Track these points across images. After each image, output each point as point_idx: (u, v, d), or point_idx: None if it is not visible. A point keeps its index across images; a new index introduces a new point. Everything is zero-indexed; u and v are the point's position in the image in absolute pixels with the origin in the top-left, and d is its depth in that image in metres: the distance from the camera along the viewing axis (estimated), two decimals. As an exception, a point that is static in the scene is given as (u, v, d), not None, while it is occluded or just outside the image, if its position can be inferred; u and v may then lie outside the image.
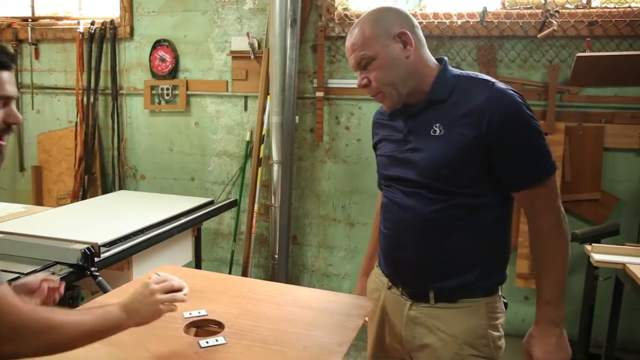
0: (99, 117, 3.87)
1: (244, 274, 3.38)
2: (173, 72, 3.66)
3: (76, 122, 3.86)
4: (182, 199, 3.07)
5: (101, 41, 3.75)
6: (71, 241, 1.97)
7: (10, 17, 4.11)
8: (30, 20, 4.05)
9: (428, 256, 1.32)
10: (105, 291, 1.75)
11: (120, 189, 3.83)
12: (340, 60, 3.32)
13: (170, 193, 3.53)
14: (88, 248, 1.91)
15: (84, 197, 3.77)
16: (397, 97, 1.32)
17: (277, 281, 3.22)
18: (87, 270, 1.89)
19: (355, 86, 3.24)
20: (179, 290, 1.14)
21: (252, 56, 3.44)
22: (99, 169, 3.88)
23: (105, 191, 3.86)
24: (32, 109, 4.09)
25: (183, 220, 2.63)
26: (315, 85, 3.35)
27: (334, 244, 3.45)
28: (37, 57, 4.02)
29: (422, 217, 1.30)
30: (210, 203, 2.98)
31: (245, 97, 3.54)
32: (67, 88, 3.96)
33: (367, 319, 1.48)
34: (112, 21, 3.73)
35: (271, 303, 1.41)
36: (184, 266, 3.34)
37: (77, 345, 1.05)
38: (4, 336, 0.95)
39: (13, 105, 1.08)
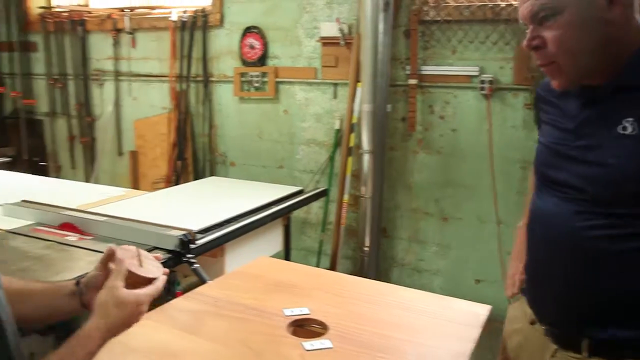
0: (191, 104, 3.95)
1: (332, 265, 3.32)
2: (262, 59, 3.64)
3: (169, 109, 3.96)
4: (272, 187, 3.05)
5: (192, 29, 3.81)
6: (168, 227, 1.98)
7: (110, 9, 4.29)
8: (128, 10, 4.19)
9: (585, 294, 1.01)
10: (203, 280, 1.73)
11: (211, 175, 3.89)
12: (435, 46, 3.14)
13: (259, 181, 3.53)
14: (185, 234, 1.90)
15: (177, 182, 3.87)
16: (575, 75, 0.98)
17: (366, 275, 3.14)
18: (183, 257, 1.89)
19: (452, 73, 3.12)
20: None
21: (342, 42, 3.34)
22: (191, 155, 3.96)
23: (197, 177, 3.94)
24: (129, 95, 4.25)
25: (275, 208, 2.59)
26: (408, 72, 3.20)
27: (425, 238, 3.29)
28: (134, 46, 4.16)
29: (584, 243, 0.98)
30: (300, 192, 2.94)
31: (335, 85, 3.45)
32: (161, 75, 4.07)
33: None
34: (203, 9, 3.77)
35: (375, 304, 1.31)
36: (272, 256, 3.35)
37: None
38: None
39: None
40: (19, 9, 4.69)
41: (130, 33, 4.14)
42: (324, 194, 3.13)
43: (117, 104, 4.31)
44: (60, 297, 1.05)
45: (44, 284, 1.10)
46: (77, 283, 1.05)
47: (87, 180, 4.39)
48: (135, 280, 0.95)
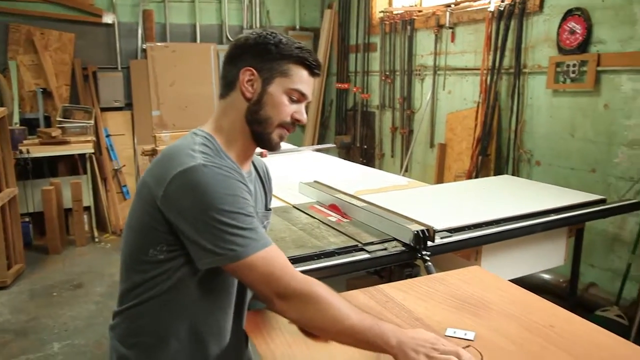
0: (500, 98, 3.75)
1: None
2: (583, 46, 3.15)
3: (478, 103, 3.87)
4: (568, 192, 2.65)
5: (509, 18, 3.59)
6: (411, 220, 1.98)
7: (437, 6, 4.43)
8: (451, 5, 4.25)
9: None
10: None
11: (512, 174, 3.64)
12: None
13: (564, 184, 3.11)
14: (422, 231, 1.87)
15: (476, 177, 3.77)
16: None
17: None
18: (418, 253, 1.87)
19: None
20: None
21: (694, 16, 2.59)
22: (494, 151, 3.78)
23: (497, 173, 3.75)
24: (444, 89, 4.33)
25: (553, 217, 2.26)
26: None
27: None
28: (452, 40, 4.21)
29: None
30: (601, 202, 2.47)
31: (676, 72, 2.72)
32: (474, 69, 4.00)
33: None
34: (522, -5, 3.51)
35: (571, 355, 1.03)
36: (555, 270, 2.93)
37: (332, 335, 1.03)
38: (275, 299, 1.03)
39: (303, 106, 1.18)
40: (366, 15, 5.35)
41: (451, 28, 4.20)
42: (634, 207, 2.54)
43: (434, 98, 4.45)
44: None
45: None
46: None
47: (401, 169, 4.72)
48: None
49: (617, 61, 3.00)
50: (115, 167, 5.24)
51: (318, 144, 5.68)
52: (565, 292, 2.97)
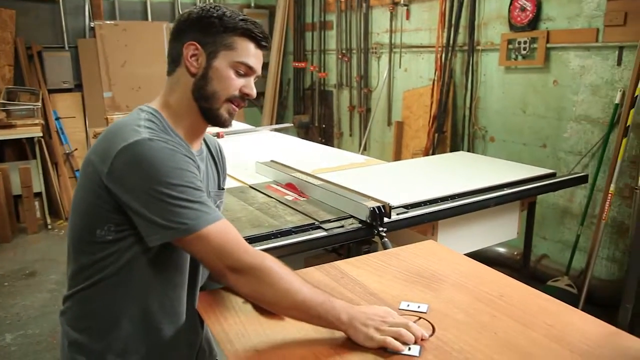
0: (455, 75, 3.80)
1: (587, 265, 2.80)
2: (533, 23, 3.21)
3: (434, 80, 3.90)
4: (520, 167, 2.71)
5: (463, -5, 3.62)
6: (368, 197, 1.99)
7: (391, -18, 4.42)
8: (406, -18, 4.25)
9: None
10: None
11: (468, 150, 3.71)
12: None
13: (517, 159, 3.20)
14: (378, 207, 1.88)
15: (433, 154, 3.82)
16: None
17: (627, 285, 2.55)
18: (375, 229, 1.88)
19: None
20: (408, 342, 0.95)
21: (637, -6, 2.67)
22: (450, 128, 3.84)
23: (453, 150, 3.81)
24: (400, 67, 4.35)
25: (506, 191, 2.31)
26: None
27: None
28: (407, 18, 4.21)
29: None
30: (551, 176, 2.54)
31: (620, 48, 2.81)
32: (429, 46, 4.02)
33: None
34: (475, -28, 3.53)
35: (519, 322, 1.05)
36: (509, 243, 3.02)
37: (284, 309, 1.03)
38: (227, 272, 1.02)
39: (252, 80, 1.16)
40: (321, -8, 5.29)
41: (406, 5, 4.20)
42: (582, 180, 2.62)
43: (390, 76, 4.47)
44: None
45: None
46: None
47: (359, 147, 4.74)
48: None
49: (565, 38, 3.08)
50: (67, 151, 5.05)
51: (276, 123, 5.63)
52: (519, 264, 3.07)
